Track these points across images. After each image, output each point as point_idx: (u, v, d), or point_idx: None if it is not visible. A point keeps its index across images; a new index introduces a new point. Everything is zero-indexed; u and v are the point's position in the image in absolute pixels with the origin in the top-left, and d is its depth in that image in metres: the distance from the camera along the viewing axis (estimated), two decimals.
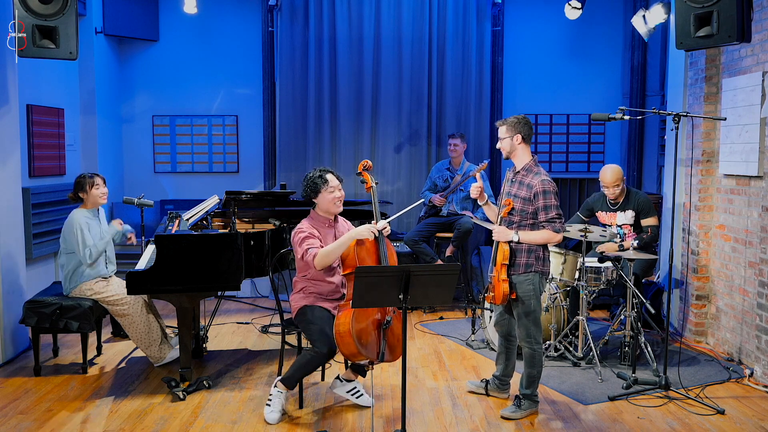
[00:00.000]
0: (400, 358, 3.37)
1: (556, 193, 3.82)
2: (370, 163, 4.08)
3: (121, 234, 4.91)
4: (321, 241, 3.89)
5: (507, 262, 3.83)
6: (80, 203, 4.75)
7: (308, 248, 3.81)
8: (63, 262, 4.69)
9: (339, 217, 4.10)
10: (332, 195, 3.93)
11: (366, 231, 3.74)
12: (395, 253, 3.98)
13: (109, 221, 4.96)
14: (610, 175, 5.07)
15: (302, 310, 3.93)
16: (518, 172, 3.94)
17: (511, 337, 4.13)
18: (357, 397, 4.11)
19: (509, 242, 3.85)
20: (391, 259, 3.88)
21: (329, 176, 3.92)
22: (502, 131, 3.92)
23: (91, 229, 4.66)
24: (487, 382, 4.29)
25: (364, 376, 4.09)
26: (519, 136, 3.88)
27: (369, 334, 3.65)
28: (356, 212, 5.42)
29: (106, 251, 4.77)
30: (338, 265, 3.96)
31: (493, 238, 3.93)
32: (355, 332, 3.58)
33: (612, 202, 5.21)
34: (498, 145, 4.00)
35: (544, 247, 3.89)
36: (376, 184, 4.07)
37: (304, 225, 3.93)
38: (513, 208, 3.88)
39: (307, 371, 3.86)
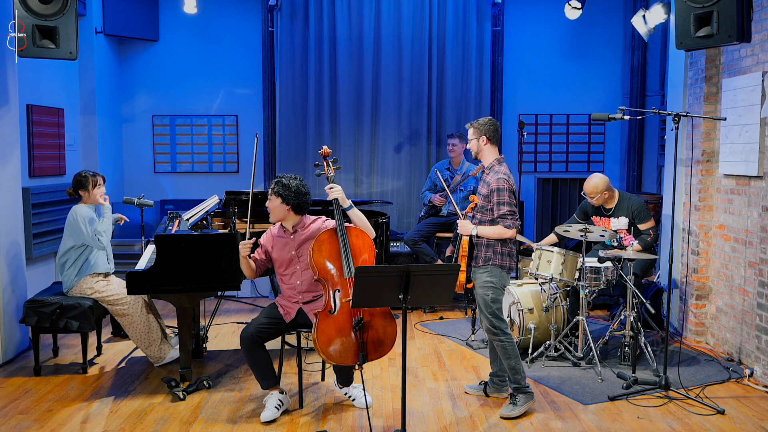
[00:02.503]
0: (400, 358, 3.36)
1: (510, 191, 3.93)
2: (328, 149, 3.96)
3: (113, 222, 4.94)
4: (268, 250, 4.00)
5: (466, 254, 4.01)
6: (78, 200, 4.73)
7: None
8: (68, 257, 4.66)
9: (314, 222, 3.98)
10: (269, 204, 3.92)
11: (240, 248, 3.85)
12: (364, 244, 3.78)
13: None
14: (588, 185, 5.10)
15: None
16: (483, 171, 4.13)
17: None
18: (352, 401, 4.14)
19: (470, 236, 4.02)
20: (358, 250, 3.75)
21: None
22: (470, 133, 4.10)
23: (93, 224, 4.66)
24: (486, 383, 4.29)
25: (347, 385, 4.14)
26: (485, 138, 4.03)
27: (341, 340, 3.64)
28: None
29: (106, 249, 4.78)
30: (295, 272, 3.94)
31: (458, 231, 4.10)
32: (321, 342, 3.61)
33: (604, 207, 5.21)
34: (467, 146, 4.17)
35: (503, 242, 3.98)
36: (338, 168, 3.94)
37: (268, 230, 4.06)
38: (476, 205, 4.08)
39: (248, 362, 3.91)
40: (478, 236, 4.00)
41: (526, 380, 4.06)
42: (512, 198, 3.93)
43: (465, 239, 4.04)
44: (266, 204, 3.93)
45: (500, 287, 4.00)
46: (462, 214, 4.15)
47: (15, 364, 4.87)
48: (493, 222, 3.98)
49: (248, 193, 4.99)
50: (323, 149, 3.96)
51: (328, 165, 3.92)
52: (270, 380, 3.93)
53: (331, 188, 3.80)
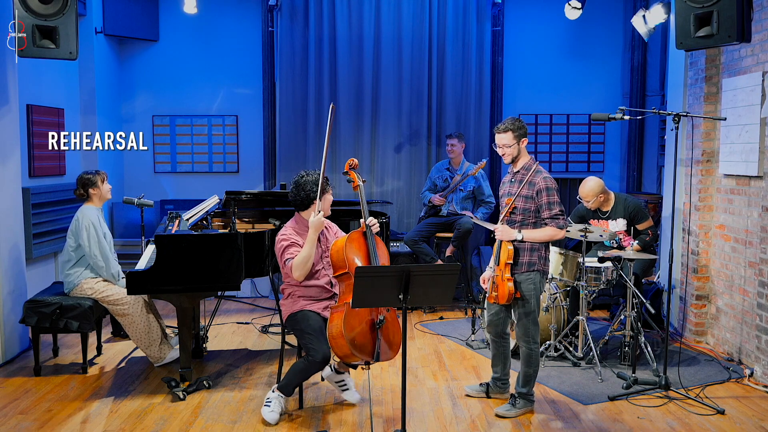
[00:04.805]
0: (400, 358, 3.36)
1: (557, 191, 3.89)
2: (356, 161, 4.10)
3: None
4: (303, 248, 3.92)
5: (511, 261, 3.86)
6: (85, 200, 4.72)
7: (287, 258, 3.85)
8: (70, 257, 4.65)
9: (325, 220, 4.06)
10: (331, 198, 4.00)
11: (318, 221, 3.78)
12: (386, 250, 3.97)
13: (108, 222, 4.95)
14: (583, 189, 5.08)
15: (293, 318, 3.93)
16: (517, 171, 3.98)
17: (505, 335, 4.13)
18: (343, 391, 4.13)
19: (513, 241, 3.87)
20: (382, 255, 3.86)
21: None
22: (509, 138, 3.89)
23: (102, 227, 4.66)
24: (488, 385, 4.28)
25: (355, 368, 4.14)
26: (525, 140, 3.95)
27: (362, 335, 3.64)
28: (348, 212, 5.38)
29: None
30: (323, 267, 3.96)
31: (497, 237, 3.94)
32: (348, 335, 3.58)
33: (601, 210, 5.20)
34: (503, 152, 3.94)
35: (546, 245, 3.93)
36: (364, 182, 4.08)
37: (287, 231, 3.92)
38: (515, 207, 3.91)
39: (302, 379, 3.88)
40: (522, 240, 3.87)
41: (534, 389, 4.05)
42: (559, 197, 3.89)
43: (508, 245, 3.86)
44: (324, 199, 3.92)
45: (540, 293, 3.95)
46: (501, 218, 3.98)
47: (15, 364, 4.87)
48: (536, 224, 3.89)
49: (248, 193, 4.99)
50: (353, 161, 4.07)
51: (358, 175, 4.05)
52: (294, 390, 3.95)
53: (373, 224, 3.86)
